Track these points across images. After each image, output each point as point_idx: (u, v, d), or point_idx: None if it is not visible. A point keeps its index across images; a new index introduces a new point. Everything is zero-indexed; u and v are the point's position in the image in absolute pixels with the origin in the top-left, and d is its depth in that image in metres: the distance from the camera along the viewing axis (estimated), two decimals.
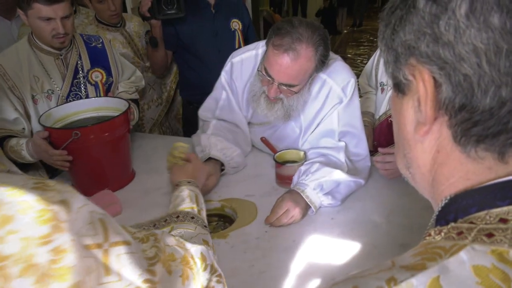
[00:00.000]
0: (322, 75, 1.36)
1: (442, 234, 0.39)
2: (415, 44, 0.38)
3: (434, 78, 0.38)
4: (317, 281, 1.02)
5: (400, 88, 0.43)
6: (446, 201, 0.41)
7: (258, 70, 1.33)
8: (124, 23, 2.19)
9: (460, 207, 0.39)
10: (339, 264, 1.08)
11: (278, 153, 1.43)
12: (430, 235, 0.40)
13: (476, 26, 0.34)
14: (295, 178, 1.34)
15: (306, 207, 1.25)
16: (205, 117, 1.60)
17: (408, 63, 0.40)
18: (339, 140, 1.38)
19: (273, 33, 1.22)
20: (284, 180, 1.39)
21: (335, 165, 1.32)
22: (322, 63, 1.25)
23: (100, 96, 1.67)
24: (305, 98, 1.35)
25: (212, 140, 1.47)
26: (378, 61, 1.57)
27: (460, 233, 0.37)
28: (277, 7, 9.03)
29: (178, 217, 0.90)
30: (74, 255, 0.48)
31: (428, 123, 0.40)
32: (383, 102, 1.51)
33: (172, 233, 0.81)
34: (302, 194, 1.25)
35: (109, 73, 1.71)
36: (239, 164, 1.50)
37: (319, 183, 1.26)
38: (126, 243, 0.57)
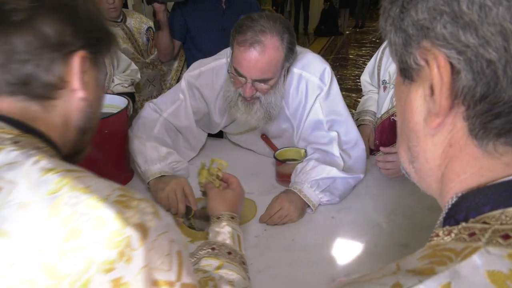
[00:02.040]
0: (297, 71, 1.34)
1: (452, 235, 0.35)
2: (430, 25, 0.34)
3: (451, 64, 0.33)
4: (316, 281, 1.00)
5: (407, 73, 0.39)
6: (456, 199, 0.37)
7: (228, 72, 1.30)
8: (125, 18, 2.18)
9: (471, 206, 0.35)
10: (339, 264, 1.06)
11: (278, 151, 1.41)
12: (438, 235, 0.37)
13: (506, 4, 0.30)
14: (293, 177, 1.32)
15: (302, 206, 1.23)
16: (150, 114, 1.47)
17: (420, 46, 0.35)
18: (329, 130, 1.35)
19: (235, 32, 1.21)
20: (284, 178, 1.37)
21: (331, 162, 1.30)
22: (290, 51, 1.23)
23: None
24: (281, 93, 1.32)
25: (161, 153, 1.35)
26: (381, 58, 1.55)
27: (472, 234, 0.33)
28: (279, 7, 9.03)
29: (230, 253, 0.86)
30: None
31: (442, 114, 0.36)
32: (385, 101, 1.49)
33: (223, 274, 0.79)
34: (299, 193, 1.23)
35: None
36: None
37: (315, 180, 1.24)
38: (194, 287, 0.51)
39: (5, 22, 0.52)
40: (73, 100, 0.60)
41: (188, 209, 1.21)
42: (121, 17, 2.16)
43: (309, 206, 1.24)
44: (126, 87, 1.77)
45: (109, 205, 0.44)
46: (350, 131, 1.37)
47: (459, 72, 0.33)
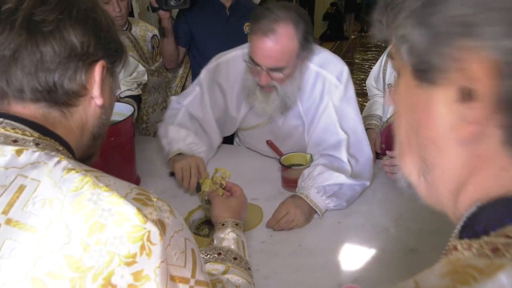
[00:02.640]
0: (314, 68, 1.35)
1: (473, 250, 0.32)
2: (473, 21, 0.29)
3: (496, 66, 0.29)
4: (323, 287, 0.99)
5: (428, 75, 0.34)
6: (476, 208, 0.34)
7: (245, 61, 1.33)
8: (130, 26, 2.20)
9: (491, 217, 0.32)
10: (346, 270, 1.05)
11: (284, 156, 1.41)
12: (456, 249, 0.34)
13: None
14: (299, 182, 1.31)
15: (309, 212, 1.22)
16: (174, 106, 1.58)
17: (455, 45, 0.31)
18: (339, 132, 1.34)
19: (252, 22, 1.23)
20: (290, 183, 1.37)
21: (338, 167, 1.29)
22: (306, 40, 1.24)
23: None
24: (298, 83, 1.33)
25: (181, 134, 1.47)
26: (386, 62, 1.54)
27: (495, 250, 0.30)
28: None
29: (236, 259, 0.88)
30: (155, 285, 0.45)
31: (480, 122, 0.31)
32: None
33: (230, 278, 0.80)
34: (306, 199, 1.22)
35: None
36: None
37: (322, 186, 1.23)
38: (207, 285, 0.54)
39: (35, 32, 0.54)
40: (90, 107, 0.63)
41: (198, 185, 1.27)
42: (127, 25, 2.18)
43: (316, 212, 1.23)
44: (133, 91, 1.78)
45: (129, 202, 0.47)
46: (359, 135, 1.37)
47: (504, 77, 0.29)
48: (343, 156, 1.32)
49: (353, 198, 1.30)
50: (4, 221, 0.45)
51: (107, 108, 0.67)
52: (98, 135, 0.69)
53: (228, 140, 1.70)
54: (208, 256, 0.86)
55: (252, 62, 1.26)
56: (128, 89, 1.76)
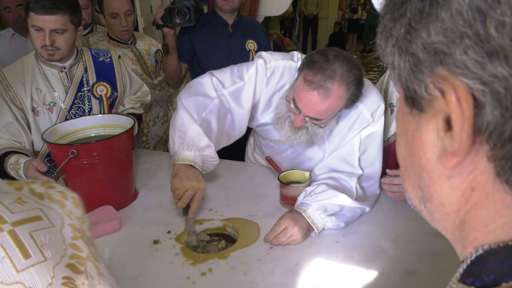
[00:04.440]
0: None
1: None
2: (447, 49, 0.28)
3: (473, 96, 0.28)
4: None
5: (416, 103, 0.33)
6: (482, 252, 0.31)
7: (286, 99, 1.29)
8: (135, 41, 2.23)
9: (504, 266, 0.29)
10: None
11: (283, 173, 1.40)
12: None
13: None
14: (299, 199, 1.30)
15: (307, 228, 1.21)
16: (207, 89, 1.39)
17: (434, 73, 0.30)
18: (357, 166, 1.34)
19: (306, 65, 1.18)
20: (288, 200, 1.36)
21: (343, 189, 1.29)
22: (352, 102, 1.22)
23: (103, 110, 1.67)
24: (331, 128, 1.33)
25: (202, 141, 1.30)
26: (388, 81, 1.55)
27: None
28: (287, 31, 9.16)
29: None
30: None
31: (461, 154, 0.30)
32: (392, 123, 1.48)
33: None
34: (303, 214, 1.21)
35: (114, 87, 1.72)
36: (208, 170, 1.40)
37: (323, 204, 1.23)
38: None
39: None
40: None
41: (185, 210, 1.27)
42: (132, 39, 2.21)
43: (313, 229, 1.21)
44: (136, 109, 1.79)
45: (51, 186, 0.51)
46: (373, 171, 1.38)
47: (483, 106, 0.28)
48: (352, 183, 1.32)
49: (352, 220, 1.29)
50: None
51: None
52: None
53: (228, 153, 1.68)
54: None
55: (293, 103, 1.23)
56: (132, 107, 1.78)
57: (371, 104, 1.33)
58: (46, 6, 1.41)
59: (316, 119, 1.24)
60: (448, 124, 0.30)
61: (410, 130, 0.35)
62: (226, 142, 1.47)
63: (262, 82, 1.40)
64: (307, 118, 1.24)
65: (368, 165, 1.37)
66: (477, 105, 0.28)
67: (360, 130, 1.34)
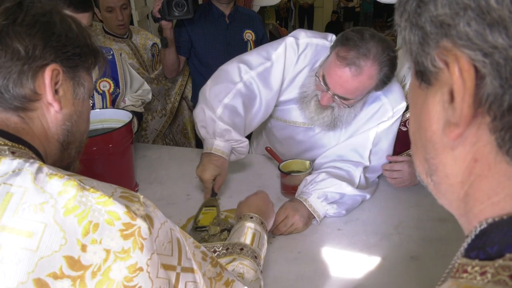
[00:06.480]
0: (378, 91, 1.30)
1: (488, 275, 0.29)
2: (451, 21, 0.29)
3: (475, 67, 0.29)
4: None
5: (424, 76, 0.34)
6: (486, 225, 0.31)
7: (315, 76, 1.26)
8: (131, 35, 2.21)
9: (508, 237, 0.29)
10: (346, 278, 1.03)
11: (283, 163, 1.40)
12: (466, 271, 0.31)
13: None
14: (300, 188, 1.30)
15: (308, 216, 1.21)
16: (232, 75, 1.35)
17: (439, 45, 0.31)
18: (366, 158, 1.35)
19: (340, 42, 1.16)
20: (289, 190, 1.36)
21: (344, 177, 1.29)
22: (383, 84, 1.19)
23: (106, 106, 1.67)
24: (356, 112, 1.31)
25: (218, 128, 1.28)
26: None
27: None
28: (283, 21, 9.11)
29: (242, 249, 0.89)
30: (147, 275, 0.48)
31: (462, 124, 0.31)
32: None
33: (234, 267, 0.83)
34: (304, 202, 1.21)
35: (116, 84, 1.71)
36: (241, 155, 1.39)
37: (324, 192, 1.23)
38: (194, 271, 0.58)
39: None
40: (50, 113, 0.63)
41: (213, 192, 1.31)
42: (127, 33, 2.19)
43: (314, 217, 1.22)
44: (136, 107, 1.79)
45: (117, 201, 0.49)
46: (379, 163, 1.38)
47: (484, 77, 0.29)
48: (357, 173, 1.33)
49: (353, 207, 1.29)
50: None
51: (70, 115, 0.66)
52: (67, 144, 0.67)
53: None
54: (217, 253, 0.88)
55: (322, 80, 1.21)
56: (132, 105, 1.77)
57: (395, 99, 1.32)
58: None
59: (344, 98, 1.21)
60: (453, 96, 0.31)
61: (418, 104, 0.36)
62: (256, 124, 1.44)
63: (291, 60, 1.36)
64: (335, 97, 1.21)
65: (377, 159, 1.37)
66: (479, 77, 0.29)
67: (379, 123, 1.33)
